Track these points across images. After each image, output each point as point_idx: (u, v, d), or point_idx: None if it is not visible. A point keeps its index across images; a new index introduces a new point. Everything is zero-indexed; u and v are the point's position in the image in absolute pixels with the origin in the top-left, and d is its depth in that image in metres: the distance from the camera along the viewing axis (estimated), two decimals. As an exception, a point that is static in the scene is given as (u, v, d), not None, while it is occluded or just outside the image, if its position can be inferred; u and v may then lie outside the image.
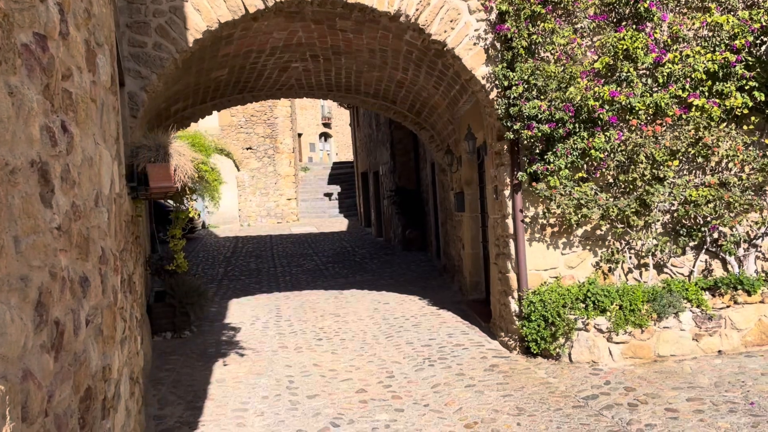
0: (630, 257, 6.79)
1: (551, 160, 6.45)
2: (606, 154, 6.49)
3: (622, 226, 6.69)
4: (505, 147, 6.83)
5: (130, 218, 4.96)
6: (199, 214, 22.63)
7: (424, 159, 14.86)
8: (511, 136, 6.54)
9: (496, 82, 6.71)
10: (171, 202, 24.28)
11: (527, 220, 6.78)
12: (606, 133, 6.45)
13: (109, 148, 3.18)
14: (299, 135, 36.76)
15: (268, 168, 26.59)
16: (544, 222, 6.78)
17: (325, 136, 44.20)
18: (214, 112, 26.39)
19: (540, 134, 6.38)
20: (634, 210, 6.55)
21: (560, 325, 6.29)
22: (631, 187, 6.63)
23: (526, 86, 6.43)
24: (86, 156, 2.61)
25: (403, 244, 15.84)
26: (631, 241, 6.75)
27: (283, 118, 26.77)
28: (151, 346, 7.41)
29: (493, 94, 6.78)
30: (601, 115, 6.37)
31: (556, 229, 6.80)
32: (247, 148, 26.35)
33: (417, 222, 15.57)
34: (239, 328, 8.75)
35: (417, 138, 15.51)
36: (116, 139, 3.59)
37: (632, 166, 6.54)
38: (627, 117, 6.54)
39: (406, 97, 10.67)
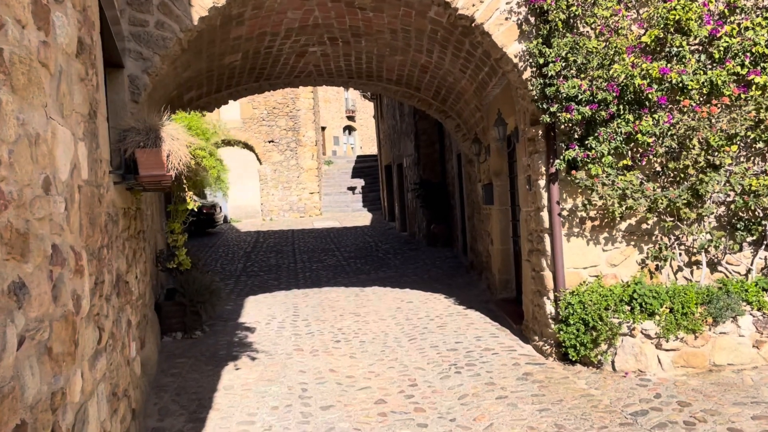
0: (680, 254, 6.11)
1: (592, 145, 5.80)
2: (654, 138, 5.81)
3: (672, 219, 6.01)
4: (540, 132, 6.19)
5: (122, 211, 4.46)
6: (220, 208, 22.38)
7: (449, 150, 14.23)
8: (548, 120, 5.90)
9: (530, 60, 6.06)
10: (194, 196, 24.11)
11: (565, 213, 6.14)
12: (654, 116, 5.77)
13: (72, 126, 2.65)
14: (323, 128, 36.32)
15: (291, 161, 26.17)
16: (584, 215, 6.13)
17: (349, 129, 43.71)
18: (236, 104, 26.07)
19: (580, 117, 5.73)
20: (685, 201, 5.86)
21: (602, 329, 5.65)
22: (682, 175, 5.93)
23: (564, 64, 5.77)
24: (28, 131, 2.09)
25: (428, 239, 15.25)
26: (681, 236, 6.07)
27: (305, 110, 26.31)
28: (158, 347, 6.96)
29: (526, 74, 6.14)
30: (649, 95, 5.69)
31: (596, 222, 6.14)
32: (270, 141, 25.96)
33: (442, 216, 14.96)
34: (254, 328, 8.26)
35: (442, 128, 14.88)
36: (88, 117, 3.06)
37: (683, 152, 5.85)
38: (678, 97, 5.84)
39: (430, 83, 10.06)
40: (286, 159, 26.13)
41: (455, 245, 14.06)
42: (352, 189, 28.73)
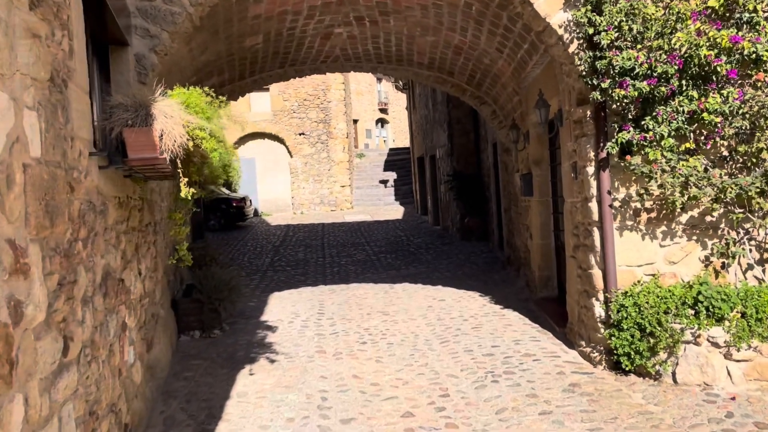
0: (750, 250, 5.36)
1: (650, 126, 5.09)
2: (722, 118, 5.06)
3: (741, 210, 5.26)
4: (589, 113, 5.50)
5: (116, 200, 3.97)
6: (250, 201, 22.06)
7: (485, 140, 13.53)
8: (598, 97, 5.20)
9: (578, 30, 5.38)
10: (225, 189, 23.80)
11: (616, 203, 5.44)
12: (722, 92, 5.02)
13: (14, 90, 2.12)
14: (355, 121, 35.82)
15: (322, 154, 25.72)
16: (638, 206, 5.42)
17: (381, 122, 43.10)
18: (266, 96, 25.80)
19: (636, 94, 5.02)
20: (758, 190, 5.10)
21: (661, 336, 4.96)
22: (754, 160, 5.18)
23: (617, 33, 5.07)
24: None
25: (462, 233, 14.58)
26: (751, 229, 5.31)
27: (336, 102, 25.81)
28: (172, 348, 6.51)
29: (573, 47, 5.46)
30: (717, 68, 4.95)
31: (653, 214, 5.43)
32: (300, 134, 25.55)
33: (477, 209, 14.27)
34: (275, 327, 7.77)
35: (477, 117, 14.19)
36: (50, 84, 2.55)
37: (756, 134, 5.09)
38: (750, 71, 5.08)
39: (464, 66, 9.39)
40: (317, 152, 25.69)
41: (491, 239, 13.37)
42: (384, 182, 28.15)
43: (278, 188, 25.58)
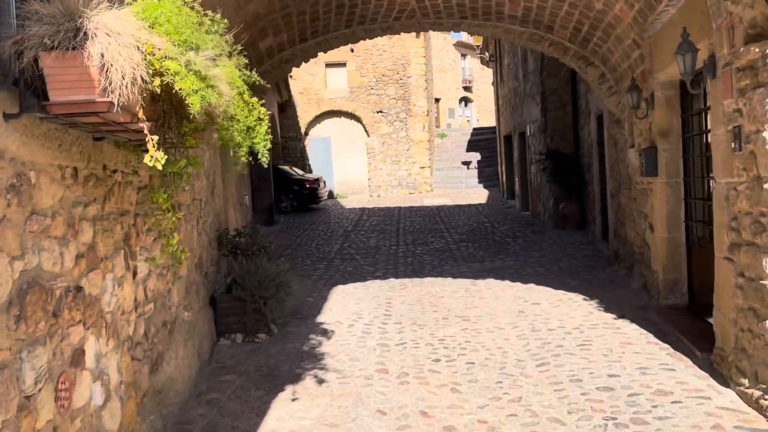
0: None
1: None
2: None
3: None
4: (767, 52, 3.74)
5: (69, 171, 2.69)
6: (324, 183, 20.97)
7: (585, 113, 11.62)
8: (797, 23, 3.44)
9: (762, -74, 3.61)
10: (297, 170, 23.04)
11: (813, 184, 3.68)
12: None
13: None
14: (437, 100, 34.14)
15: (400, 133, 24.25)
16: None
17: (465, 100, 41.10)
18: (343, 72, 24.65)
19: None
20: None
21: None
22: None
23: None
24: None
25: (555, 221, 12.76)
26: None
27: (417, 77, 24.22)
28: (200, 360, 5.32)
29: (750, -47, 3.70)
30: None
31: None
32: (378, 112, 24.17)
33: (574, 193, 12.40)
34: (332, 331, 6.47)
35: (576, 87, 12.28)
36: None
37: None
38: None
39: (568, 16, 7.63)
40: (395, 131, 24.24)
41: (590, 229, 11.51)
42: (466, 164, 26.36)
43: (354, 169, 24.40)
